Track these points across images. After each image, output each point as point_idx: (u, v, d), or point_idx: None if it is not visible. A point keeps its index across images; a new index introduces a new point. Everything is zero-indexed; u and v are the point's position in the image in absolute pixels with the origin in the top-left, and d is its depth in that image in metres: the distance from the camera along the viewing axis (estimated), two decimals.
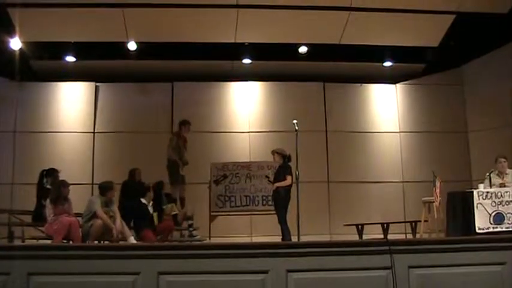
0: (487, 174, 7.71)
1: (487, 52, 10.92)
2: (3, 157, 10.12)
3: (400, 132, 11.44)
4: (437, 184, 8.26)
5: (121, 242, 6.98)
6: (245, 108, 11.29)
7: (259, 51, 10.59)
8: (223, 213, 9.48)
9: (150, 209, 7.98)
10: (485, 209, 7.13)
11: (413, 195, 10.34)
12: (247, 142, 11.09)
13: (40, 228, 7.60)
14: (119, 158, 10.40)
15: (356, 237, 9.03)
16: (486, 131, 10.90)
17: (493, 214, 7.09)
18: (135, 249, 4.33)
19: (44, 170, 8.24)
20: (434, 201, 8.38)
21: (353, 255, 4.22)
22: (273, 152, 8.05)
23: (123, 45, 10.20)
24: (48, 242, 7.02)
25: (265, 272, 4.12)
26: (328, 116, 11.18)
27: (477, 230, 7.04)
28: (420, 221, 8.82)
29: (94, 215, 7.13)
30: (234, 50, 10.58)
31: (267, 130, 11.05)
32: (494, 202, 7.13)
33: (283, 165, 7.86)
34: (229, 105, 11.31)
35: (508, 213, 7.06)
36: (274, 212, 7.94)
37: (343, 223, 9.62)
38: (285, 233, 7.59)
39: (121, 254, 4.17)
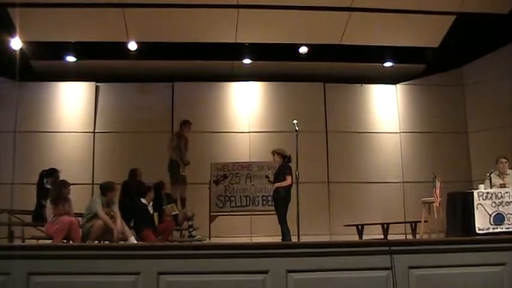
0: (488, 174, 7.72)
1: (488, 52, 10.93)
2: (3, 157, 10.11)
3: (400, 132, 11.44)
4: (437, 184, 8.26)
5: (121, 242, 6.98)
6: (245, 108, 11.29)
7: (260, 51, 10.59)
8: (223, 214, 9.46)
9: (150, 209, 7.97)
10: (485, 209, 7.13)
11: (413, 195, 10.33)
12: (247, 142, 11.09)
13: (40, 228, 7.60)
14: (119, 158, 10.40)
15: (356, 238, 9.02)
16: (486, 131, 10.91)
17: (493, 215, 7.10)
18: (135, 249, 4.34)
19: (44, 170, 8.23)
20: (434, 202, 8.37)
21: (353, 256, 4.23)
22: (273, 152, 8.04)
23: (123, 45, 10.20)
24: (48, 242, 7.02)
25: (265, 272, 4.13)
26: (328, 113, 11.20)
27: (477, 231, 7.04)
28: (420, 222, 8.81)
29: (95, 215, 7.13)
30: (234, 50, 10.58)
31: (267, 130, 11.06)
32: (495, 203, 7.13)
33: (283, 166, 7.86)
34: (229, 105, 11.31)
35: (508, 213, 7.07)
36: (274, 212, 7.93)
37: (343, 223, 9.62)
38: (285, 233, 7.58)
39: (121, 254, 4.18)
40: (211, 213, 9.35)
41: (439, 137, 11.25)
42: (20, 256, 4.06)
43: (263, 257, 4.19)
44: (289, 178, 7.67)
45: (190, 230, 8.92)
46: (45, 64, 10.77)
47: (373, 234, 9.09)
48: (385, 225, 9.15)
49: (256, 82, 11.40)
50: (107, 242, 7.09)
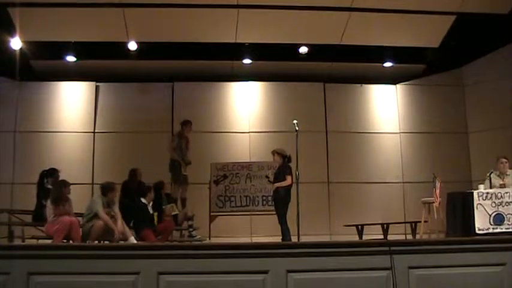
0: (488, 174, 7.73)
1: (488, 53, 10.93)
2: (3, 157, 10.11)
3: (400, 132, 11.44)
4: (437, 185, 8.26)
5: (121, 242, 6.98)
6: (245, 108, 11.29)
7: (260, 51, 10.59)
8: (223, 214, 9.46)
9: (150, 209, 7.98)
10: (485, 209, 7.14)
11: (413, 195, 10.33)
12: (247, 142, 11.09)
13: (40, 228, 7.60)
14: (119, 158, 10.40)
15: (356, 238, 9.03)
16: (486, 131, 10.91)
17: (493, 215, 7.10)
18: (135, 249, 4.34)
19: (44, 170, 8.24)
20: (434, 202, 8.37)
21: (353, 256, 4.23)
22: (273, 152, 8.04)
23: (123, 45, 10.20)
24: (48, 241, 7.02)
25: (265, 272, 4.13)
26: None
27: (477, 231, 7.05)
28: (420, 222, 8.81)
29: (95, 215, 7.13)
30: (234, 50, 10.58)
31: (267, 130, 11.06)
32: (494, 203, 7.13)
33: (283, 166, 7.86)
34: (229, 105, 11.31)
35: (508, 214, 7.07)
36: (274, 212, 7.93)
37: (343, 223, 9.62)
38: (285, 233, 7.58)
39: (121, 254, 4.18)
40: (211, 213, 9.36)
41: (439, 137, 11.25)
42: (20, 256, 4.06)
43: (263, 257, 4.19)
44: (289, 178, 7.67)
45: (190, 230, 8.92)
46: (45, 64, 10.77)
47: (373, 234, 9.08)
48: (385, 225, 9.15)
49: (256, 82, 11.40)
50: (106, 242, 7.09)
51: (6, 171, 10.11)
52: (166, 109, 11.00)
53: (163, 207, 8.49)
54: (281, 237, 7.59)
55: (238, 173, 9.55)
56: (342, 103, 11.34)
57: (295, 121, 7.63)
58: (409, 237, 9.20)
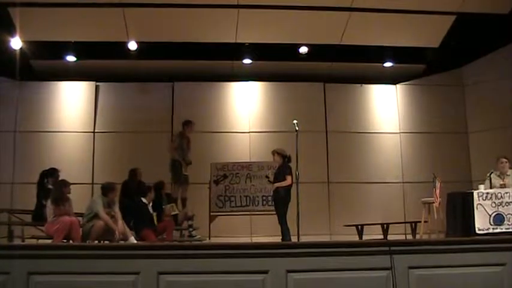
0: (488, 175, 7.73)
1: (488, 53, 10.93)
2: (3, 157, 10.11)
3: (400, 132, 11.44)
4: (437, 185, 8.26)
5: (121, 242, 6.98)
6: (245, 108, 11.29)
7: (260, 51, 10.59)
8: (223, 213, 9.46)
9: (150, 209, 7.98)
10: (485, 209, 7.14)
11: (413, 195, 10.34)
12: (247, 142, 11.09)
13: (40, 227, 7.60)
14: (119, 158, 10.41)
15: (356, 238, 9.03)
16: (486, 131, 10.91)
17: (493, 215, 7.10)
18: (135, 249, 4.33)
19: (44, 170, 8.25)
20: (434, 202, 8.37)
21: (353, 256, 4.22)
22: (273, 152, 8.04)
23: (123, 45, 10.20)
24: (48, 241, 7.02)
25: (265, 272, 4.12)
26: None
27: (477, 231, 7.05)
28: (420, 222, 8.81)
29: (95, 215, 7.14)
30: (235, 50, 10.58)
31: (267, 130, 11.06)
32: (494, 203, 7.13)
33: (283, 166, 7.86)
34: (229, 105, 11.31)
35: (508, 214, 7.07)
36: (274, 212, 7.94)
37: (343, 223, 9.62)
38: (285, 233, 7.58)
39: (121, 254, 4.17)
40: (211, 213, 9.36)
41: (439, 137, 11.25)
42: (20, 256, 4.06)
43: (263, 257, 4.19)
44: (289, 178, 7.67)
45: (190, 229, 8.93)
46: (45, 64, 10.77)
47: (373, 234, 9.09)
48: (385, 225, 9.15)
49: (256, 82, 11.40)
50: (106, 242, 7.10)
51: (6, 171, 10.11)
52: (166, 109, 11.00)
53: (164, 207, 8.50)
54: (281, 237, 7.59)
55: (238, 173, 9.55)
56: (342, 103, 11.34)
57: (295, 121, 7.63)
58: (409, 237, 9.20)
